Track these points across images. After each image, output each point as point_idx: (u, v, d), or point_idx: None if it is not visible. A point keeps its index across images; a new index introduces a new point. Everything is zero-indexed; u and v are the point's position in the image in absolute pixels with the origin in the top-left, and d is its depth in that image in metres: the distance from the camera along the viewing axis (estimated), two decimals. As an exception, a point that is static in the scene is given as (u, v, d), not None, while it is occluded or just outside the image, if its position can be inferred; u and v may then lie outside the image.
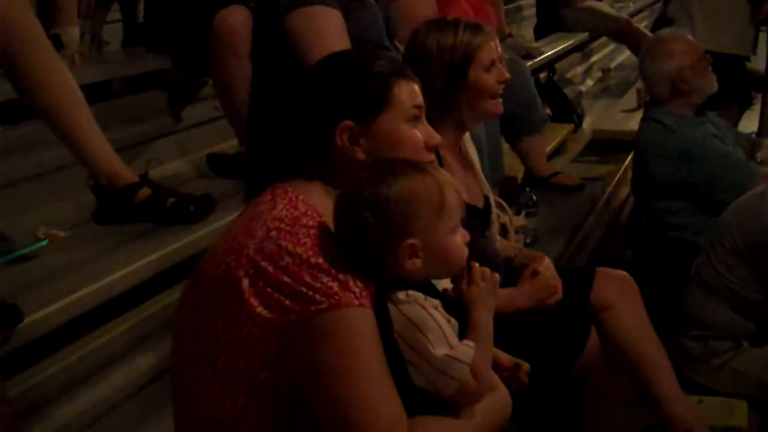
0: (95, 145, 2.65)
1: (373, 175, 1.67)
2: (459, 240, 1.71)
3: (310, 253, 1.62)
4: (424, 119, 1.85)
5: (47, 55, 2.58)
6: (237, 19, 3.31)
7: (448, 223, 1.68)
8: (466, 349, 1.64)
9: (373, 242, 1.64)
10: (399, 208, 1.64)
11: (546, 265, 2.50)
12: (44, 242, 2.52)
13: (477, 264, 1.76)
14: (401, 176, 1.66)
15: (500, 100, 2.59)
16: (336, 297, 1.59)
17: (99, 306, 2.34)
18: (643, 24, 7.67)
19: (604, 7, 7.14)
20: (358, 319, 1.60)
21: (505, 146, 4.44)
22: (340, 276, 1.61)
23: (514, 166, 4.56)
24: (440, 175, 1.72)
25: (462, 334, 1.68)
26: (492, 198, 2.71)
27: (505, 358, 1.95)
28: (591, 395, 2.66)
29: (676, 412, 2.71)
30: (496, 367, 1.89)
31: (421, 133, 1.83)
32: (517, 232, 3.35)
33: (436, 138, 1.86)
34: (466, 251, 1.73)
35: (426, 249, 1.66)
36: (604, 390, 2.69)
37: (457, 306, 1.71)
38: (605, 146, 5.84)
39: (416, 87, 1.84)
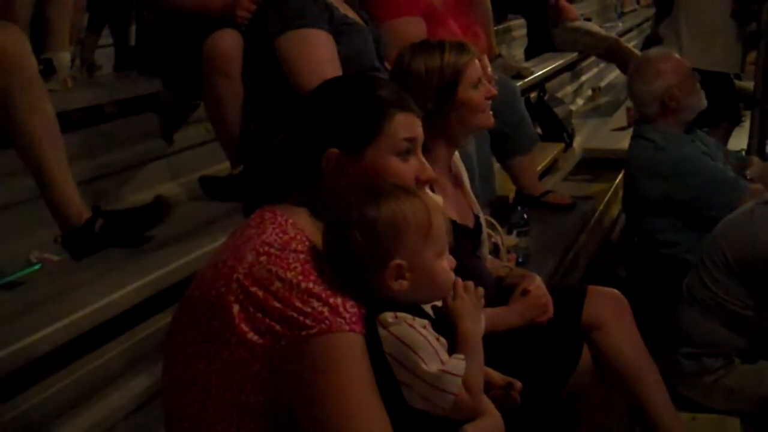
0: (67, 192, 2.64)
1: (363, 196, 1.69)
2: (445, 265, 1.72)
3: (300, 277, 1.62)
4: (419, 152, 1.83)
5: (35, 93, 2.58)
6: (228, 42, 3.33)
7: (435, 246, 1.70)
8: (458, 362, 1.65)
9: (361, 262, 1.66)
10: (387, 229, 1.65)
11: (536, 284, 2.51)
12: (37, 266, 2.52)
13: (459, 279, 1.76)
14: (390, 198, 1.68)
15: (491, 113, 2.61)
16: (326, 322, 1.59)
17: (93, 329, 2.35)
18: (632, 43, 7.72)
19: (593, 27, 7.19)
20: (348, 344, 1.60)
21: (496, 166, 4.46)
22: (331, 301, 1.61)
23: (505, 186, 4.57)
24: (429, 199, 1.74)
25: (452, 352, 1.69)
26: (482, 218, 2.72)
27: (497, 377, 1.95)
28: (584, 413, 2.66)
29: (669, 430, 2.71)
30: (489, 386, 1.90)
31: (413, 166, 1.81)
32: (509, 252, 3.36)
33: (428, 172, 1.84)
34: (452, 276, 1.74)
35: (413, 271, 1.67)
36: (596, 408, 2.69)
37: (444, 325, 1.72)
38: (596, 165, 5.86)
39: (414, 119, 1.82)
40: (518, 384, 1.93)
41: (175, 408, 1.75)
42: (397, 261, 1.66)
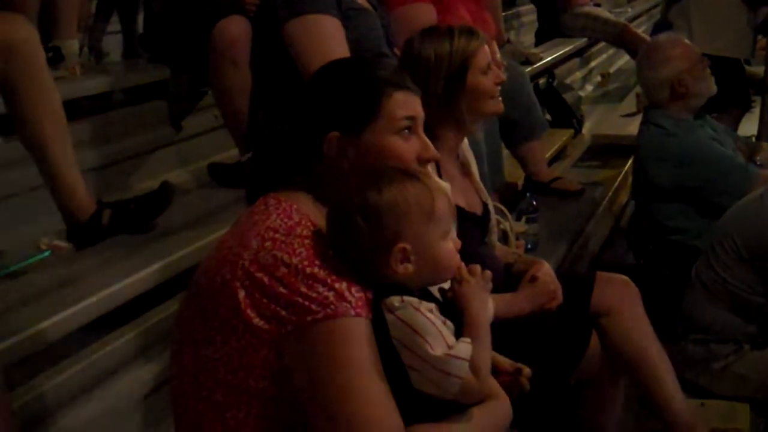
0: (72, 185, 2.65)
1: (365, 181, 1.69)
2: (450, 246, 1.71)
3: (305, 263, 1.62)
4: (420, 131, 1.83)
5: (43, 86, 2.59)
6: (236, 29, 3.33)
7: (438, 229, 1.69)
8: (464, 346, 1.64)
9: (365, 248, 1.65)
10: (389, 214, 1.65)
11: (545, 271, 2.50)
12: (46, 253, 2.53)
13: (463, 264, 1.76)
14: (392, 183, 1.67)
15: (500, 99, 2.61)
16: (332, 307, 1.59)
17: (101, 316, 2.35)
18: (641, 29, 7.69)
19: (603, 13, 7.16)
20: (354, 328, 1.60)
21: (505, 152, 4.45)
22: (336, 285, 1.61)
23: (514, 172, 4.56)
24: (431, 182, 1.73)
25: (458, 336, 1.67)
26: (491, 205, 2.72)
27: (506, 362, 1.95)
28: (592, 400, 2.67)
29: (678, 416, 2.71)
30: (498, 371, 1.90)
31: (414, 145, 1.81)
32: (518, 238, 3.36)
33: (431, 151, 1.83)
34: (457, 258, 1.73)
35: (417, 254, 1.66)
36: (605, 394, 2.70)
37: (452, 309, 1.72)
38: (605, 151, 5.85)
39: (413, 97, 1.81)
40: (527, 370, 1.93)
41: (184, 395, 1.75)
42: (401, 245, 1.65)
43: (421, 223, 1.67)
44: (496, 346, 1.86)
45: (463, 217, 2.46)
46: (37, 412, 2.15)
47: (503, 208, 3.01)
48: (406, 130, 1.79)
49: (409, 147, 1.80)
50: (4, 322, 2.16)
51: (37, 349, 2.15)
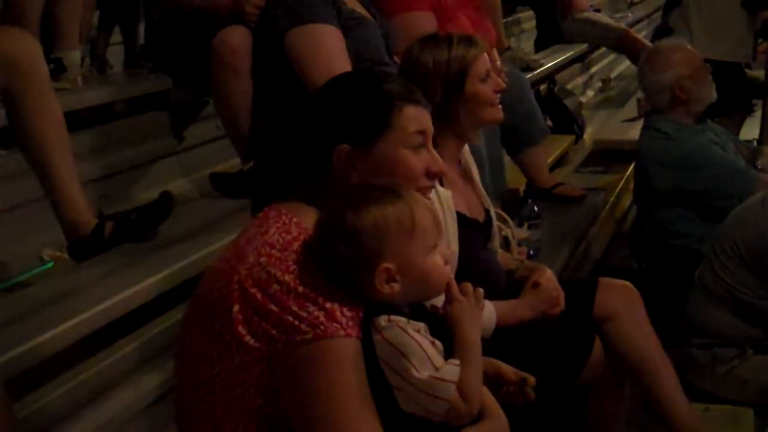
0: (73, 198, 2.65)
1: (343, 203, 1.67)
2: (437, 260, 1.68)
3: (297, 280, 1.60)
4: (429, 145, 1.83)
5: (45, 99, 2.60)
6: (237, 39, 3.34)
7: (422, 244, 1.66)
8: (452, 368, 1.61)
9: (348, 270, 1.63)
10: (369, 235, 1.62)
11: (547, 277, 2.50)
12: (49, 264, 2.53)
13: (453, 281, 1.73)
14: (370, 203, 1.65)
15: (499, 107, 2.61)
16: (321, 327, 1.57)
17: (105, 327, 2.36)
18: (641, 34, 7.69)
19: (603, 18, 7.16)
20: (343, 349, 1.58)
21: (507, 159, 4.45)
22: (327, 305, 1.59)
23: (515, 179, 4.55)
24: (412, 198, 1.70)
25: (449, 355, 1.65)
26: (493, 211, 2.72)
27: (510, 372, 1.93)
28: (596, 405, 2.66)
29: (682, 421, 2.70)
30: (502, 381, 1.89)
31: (424, 159, 1.80)
32: (520, 245, 3.35)
33: (440, 165, 1.83)
34: (446, 271, 1.70)
35: (403, 272, 1.63)
36: (609, 400, 2.69)
37: (444, 326, 1.69)
38: (607, 156, 5.85)
39: (423, 112, 1.82)
40: (531, 379, 1.90)
41: (185, 407, 1.75)
42: (385, 265, 1.62)
43: (402, 241, 1.64)
44: (500, 354, 1.86)
45: (465, 223, 2.46)
46: (40, 423, 2.15)
47: (504, 214, 3.01)
48: (417, 144, 1.79)
49: (419, 161, 1.79)
50: (7, 333, 2.16)
51: (40, 360, 2.14)
